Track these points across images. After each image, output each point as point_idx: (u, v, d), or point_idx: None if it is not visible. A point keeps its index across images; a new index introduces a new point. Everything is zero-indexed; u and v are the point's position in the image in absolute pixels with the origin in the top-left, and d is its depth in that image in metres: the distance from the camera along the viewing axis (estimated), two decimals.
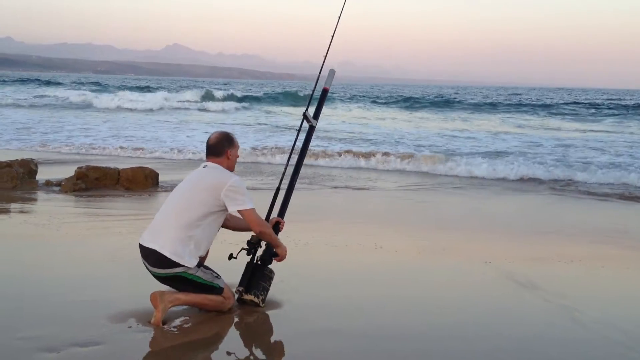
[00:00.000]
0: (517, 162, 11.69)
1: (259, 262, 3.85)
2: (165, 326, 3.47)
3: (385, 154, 12.56)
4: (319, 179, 9.97)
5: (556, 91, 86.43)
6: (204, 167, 3.77)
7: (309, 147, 4.27)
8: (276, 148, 13.42)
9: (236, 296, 3.80)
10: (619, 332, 3.71)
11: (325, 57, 4.33)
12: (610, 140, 18.17)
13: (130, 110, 27.24)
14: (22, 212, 6.78)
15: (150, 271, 3.62)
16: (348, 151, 12.96)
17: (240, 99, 36.93)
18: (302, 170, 4.23)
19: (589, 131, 22.01)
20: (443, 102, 39.43)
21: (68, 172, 8.41)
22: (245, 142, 14.05)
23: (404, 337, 3.52)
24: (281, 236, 3.93)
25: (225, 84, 79.49)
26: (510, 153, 13.90)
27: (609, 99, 48.83)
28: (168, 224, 3.57)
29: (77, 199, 7.49)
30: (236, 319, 3.67)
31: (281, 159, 11.92)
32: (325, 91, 4.24)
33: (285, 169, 4.11)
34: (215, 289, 3.64)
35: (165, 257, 3.49)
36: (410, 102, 39.64)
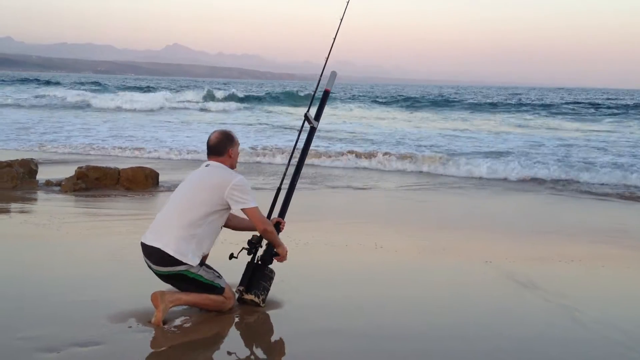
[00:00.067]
0: (519, 162, 11.68)
1: (260, 262, 3.86)
2: (166, 326, 3.47)
3: (386, 154, 12.56)
4: (320, 178, 9.97)
5: (556, 91, 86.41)
6: (206, 166, 3.78)
7: (310, 148, 4.28)
8: (277, 148, 13.42)
9: (237, 296, 3.81)
10: (619, 332, 3.71)
11: (327, 58, 4.34)
12: (612, 140, 18.15)
13: (131, 110, 27.23)
14: (22, 212, 6.78)
15: (152, 269, 3.62)
16: (350, 152, 12.94)
17: (241, 99, 36.95)
18: (303, 170, 4.24)
19: (589, 131, 22.00)
20: (443, 102, 39.43)
21: (68, 172, 8.41)
22: (246, 142, 14.06)
23: (404, 337, 3.51)
24: (282, 236, 3.92)
25: (225, 84, 79.48)
26: (512, 153, 13.89)
27: (608, 99, 48.82)
28: (171, 223, 3.57)
29: (77, 199, 7.49)
30: (237, 319, 3.67)
31: (282, 159, 11.92)
32: (326, 93, 4.26)
33: (287, 169, 4.11)
34: (217, 289, 3.64)
35: (169, 255, 3.49)
36: (410, 102, 39.65)
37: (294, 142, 4.24)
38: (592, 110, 33.69)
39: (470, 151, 14.18)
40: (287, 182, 4.05)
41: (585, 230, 6.80)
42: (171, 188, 8.03)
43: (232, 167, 3.80)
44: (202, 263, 3.65)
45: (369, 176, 10.69)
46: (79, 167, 8.28)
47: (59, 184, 8.10)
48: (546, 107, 36.48)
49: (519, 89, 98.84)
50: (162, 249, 3.50)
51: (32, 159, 8.74)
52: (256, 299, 3.77)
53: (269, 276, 3.85)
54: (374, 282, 4.58)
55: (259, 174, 10.26)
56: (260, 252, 3.90)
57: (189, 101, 34.07)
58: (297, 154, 4.21)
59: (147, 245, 3.57)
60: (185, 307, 3.70)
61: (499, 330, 3.73)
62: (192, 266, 3.54)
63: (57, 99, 31.58)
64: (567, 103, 40.22)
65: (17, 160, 8.38)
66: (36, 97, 33.11)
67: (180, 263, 3.51)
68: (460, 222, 7.13)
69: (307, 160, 4.56)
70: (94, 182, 8.15)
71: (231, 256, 3.83)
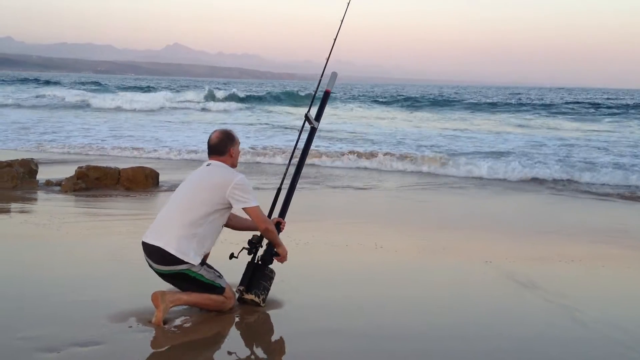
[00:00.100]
0: (519, 162, 11.68)
1: (260, 262, 3.86)
2: (166, 326, 3.46)
3: (387, 154, 12.56)
4: (320, 178, 9.97)
5: (556, 91, 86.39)
6: (207, 165, 3.78)
7: (310, 148, 4.28)
8: (278, 148, 13.42)
9: (237, 295, 3.81)
10: (620, 331, 3.71)
11: (327, 59, 4.34)
12: (613, 140, 18.14)
13: (131, 110, 27.23)
14: (22, 212, 6.78)
15: (153, 268, 3.62)
16: (350, 152, 12.93)
17: (242, 99, 36.96)
18: (303, 170, 4.24)
19: (590, 131, 21.99)
20: (443, 102, 39.43)
21: (68, 171, 8.41)
22: (247, 142, 14.06)
23: (404, 337, 3.51)
24: (282, 236, 3.93)
25: (225, 84, 79.49)
26: (512, 153, 13.89)
27: (608, 99, 48.81)
28: (173, 222, 3.57)
29: (78, 199, 7.49)
30: (237, 319, 3.67)
31: (282, 159, 11.92)
32: (327, 93, 4.26)
33: (287, 169, 4.11)
34: (217, 289, 3.64)
35: (170, 254, 3.49)
36: (410, 102, 39.65)
37: (294, 142, 4.25)
38: (592, 110, 33.68)
39: (471, 151, 14.17)
40: (287, 182, 4.06)
41: (585, 230, 6.80)
42: (171, 188, 8.03)
43: (233, 166, 3.81)
44: (203, 262, 3.65)
45: (369, 176, 10.69)
46: (79, 167, 8.28)
47: (59, 183, 8.10)
48: (546, 106, 36.48)
49: (519, 89, 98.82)
50: (163, 247, 3.50)
51: (32, 158, 8.74)
52: (256, 299, 3.78)
53: (269, 276, 3.86)
54: (374, 282, 4.58)
55: (259, 174, 10.26)
56: (260, 252, 3.90)
57: (189, 101, 34.07)
58: (297, 154, 4.21)
59: (149, 244, 3.57)
60: (185, 307, 3.70)
61: (499, 330, 3.73)
62: (193, 265, 3.54)
63: (57, 99, 31.60)
64: (567, 103, 40.21)
65: (17, 160, 8.39)
66: (36, 97, 33.14)
67: (182, 262, 3.51)
68: (461, 222, 7.13)
69: (308, 160, 4.57)
70: (94, 182, 8.15)
71: (231, 256, 3.84)
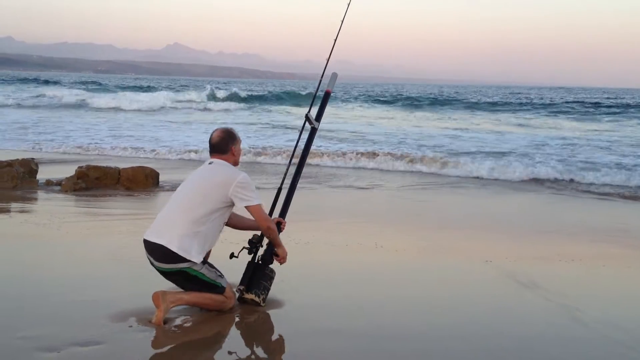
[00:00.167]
0: (519, 161, 11.68)
1: (260, 262, 3.86)
2: (166, 326, 3.46)
3: (387, 154, 12.55)
4: (320, 178, 9.97)
5: (556, 90, 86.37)
6: (210, 163, 3.78)
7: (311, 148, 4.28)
8: (278, 148, 13.42)
9: (237, 295, 3.81)
10: (620, 331, 3.70)
11: (328, 60, 4.35)
12: (614, 139, 18.12)
13: (131, 110, 27.22)
14: (22, 211, 6.78)
15: (155, 266, 3.62)
16: (350, 151, 12.92)
17: (243, 99, 36.97)
18: (304, 170, 4.24)
19: (591, 130, 21.98)
20: (444, 101, 39.44)
21: (68, 171, 8.41)
22: (247, 142, 14.06)
23: (404, 337, 3.51)
24: (282, 235, 3.93)
25: (226, 83, 79.48)
26: (513, 152, 13.87)
27: (608, 98, 48.82)
28: (175, 220, 3.57)
29: (78, 199, 7.49)
30: (237, 319, 3.67)
31: (283, 159, 11.92)
32: (327, 94, 4.27)
33: (287, 169, 4.11)
34: (218, 288, 3.64)
35: (172, 252, 3.49)
36: (411, 101, 39.65)
37: (295, 142, 4.25)
38: (592, 110, 33.69)
39: (471, 151, 14.16)
40: (288, 182, 4.06)
41: (586, 230, 6.79)
42: (172, 188, 8.03)
43: (235, 164, 3.82)
44: (205, 261, 3.66)
45: (369, 176, 10.68)
46: (79, 167, 8.28)
47: (59, 183, 8.10)
48: (546, 106, 36.48)
49: (519, 89, 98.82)
50: (166, 245, 3.50)
51: (32, 158, 8.75)
52: (256, 299, 3.78)
53: (270, 276, 3.86)
54: (374, 282, 4.58)
55: (260, 174, 10.25)
56: (260, 251, 3.90)
57: (190, 101, 34.07)
58: (298, 154, 4.21)
59: (150, 241, 3.57)
60: (185, 306, 3.70)
61: (500, 329, 3.72)
62: (195, 263, 3.54)
63: (57, 99, 31.60)
64: (567, 102, 40.22)
65: (18, 159, 8.39)
66: (36, 96, 33.13)
67: (184, 260, 3.51)
68: (461, 221, 7.13)
69: (308, 160, 4.58)
70: (94, 182, 8.15)
71: (232, 255, 3.83)
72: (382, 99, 43.24)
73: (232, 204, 3.66)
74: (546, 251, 5.66)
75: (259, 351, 3.35)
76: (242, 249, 3.86)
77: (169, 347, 3.24)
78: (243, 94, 39.91)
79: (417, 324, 3.76)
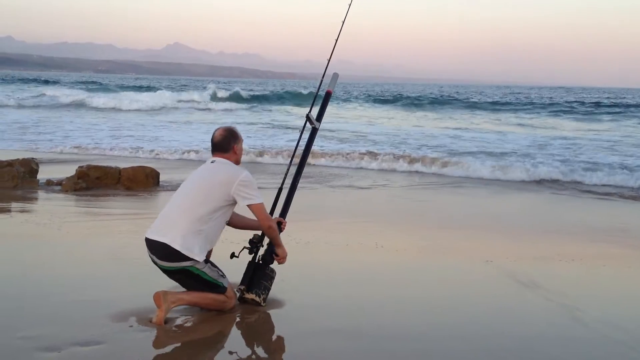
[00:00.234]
0: (520, 161, 11.67)
1: (261, 261, 3.86)
2: (167, 325, 3.47)
3: (387, 153, 12.55)
4: (321, 178, 9.97)
5: (557, 90, 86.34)
6: (212, 162, 3.78)
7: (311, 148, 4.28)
8: (279, 148, 13.41)
9: (238, 295, 3.81)
10: (620, 331, 3.70)
11: (329, 60, 4.35)
12: (615, 139, 18.10)
13: (132, 110, 27.22)
14: (23, 211, 6.78)
15: (157, 264, 3.62)
16: (351, 151, 12.92)
17: (244, 99, 36.97)
18: (304, 170, 4.24)
19: (591, 130, 21.97)
20: (444, 101, 39.44)
21: (69, 171, 8.41)
22: (248, 142, 14.06)
23: (405, 337, 3.51)
24: (282, 235, 3.93)
25: (226, 83, 79.49)
26: (513, 152, 13.86)
27: (608, 97, 48.79)
28: (178, 219, 3.57)
29: (78, 199, 7.49)
30: (237, 318, 3.67)
31: (284, 159, 11.91)
32: (328, 94, 4.28)
33: (288, 169, 4.12)
34: (219, 287, 3.64)
35: (175, 250, 3.49)
36: (411, 101, 39.65)
37: (295, 142, 4.25)
38: (593, 109, 33.68)
39: (472, 150, 14.16)
40: (288, 182, 4.06)
41: (586, 230, 6.79)
42: (173, 187, 8.04)
43: (237, 163, 3.82)
44: (207, 260, 3.66)
45: (370, 176, 10.68)
46: (79, 167, 8.28)
47: (59, 183, 8.10)
48: (546, 106, 36.48)
49: (519, 88, 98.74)
50: (169, 244, 3.50)
51: (32, 158, 8.75)
52: (257, 298, 3.78)
53: (270, 275, 3.86)
54: (375, 281, 4.58)
55: (261, 173, 10.25)
56: (261, 251, 3.90)
57: (190, 100, 34.08)
58: (299, 154, 4.21)
59: (153, 240, 3.57)
60: (185, 306, 3.70)
61: (500, 329, 3.72)
62: (197, 262, 3.54)
63: (57, 99, 31.60)
64: (567, 102, 40.21)
65: (18, 159, 8.39)
66: (36, 96, 33.14)
67: (187, 258, 3.51)
68: (462, 221, 7.13)
69: (309, 160, 4.58)
70: (94, 182, 8.15)
71: (232, 255, 3.84)
72: (382, 98, 43.22)
73: (234, 203, 3.66)
74: (546, 251, 5.66)
75: (260, 351, 3.35)
76: (242, 249, 3.87)
77: (169, 347, 3.24)
78: (245, 93, 39.90)
79: (417, 324, 3.76)
